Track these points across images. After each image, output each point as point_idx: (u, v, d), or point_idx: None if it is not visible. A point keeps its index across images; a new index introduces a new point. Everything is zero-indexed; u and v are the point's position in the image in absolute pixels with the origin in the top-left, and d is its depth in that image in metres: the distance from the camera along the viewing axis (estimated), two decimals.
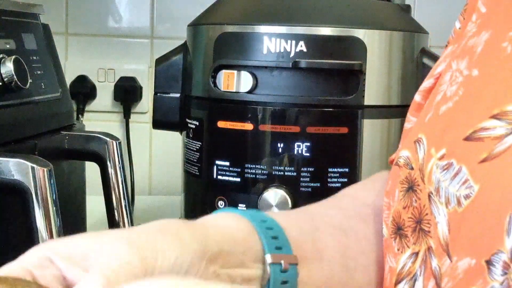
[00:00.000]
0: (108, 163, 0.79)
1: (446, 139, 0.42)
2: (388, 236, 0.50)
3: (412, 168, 0.46)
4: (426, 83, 0.53)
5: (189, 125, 0.85)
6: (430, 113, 0.46)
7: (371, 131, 0.81)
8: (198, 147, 0.84)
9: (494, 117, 0.39)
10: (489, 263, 0.36)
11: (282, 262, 0.43)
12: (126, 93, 1.29)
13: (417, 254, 0.44)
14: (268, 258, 0.43)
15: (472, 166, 0.39)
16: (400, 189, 0.47)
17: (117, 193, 0.79)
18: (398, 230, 0.46)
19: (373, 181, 0.57)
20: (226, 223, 0.43)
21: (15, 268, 0.36)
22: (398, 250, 0.46)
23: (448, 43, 0.55)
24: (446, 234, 0.40)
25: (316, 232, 0.47)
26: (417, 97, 0.55)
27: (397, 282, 0.45)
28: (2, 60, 0.70)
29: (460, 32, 0.52)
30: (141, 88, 1.30)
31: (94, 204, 0.90)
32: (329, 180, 0.78)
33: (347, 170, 0.79)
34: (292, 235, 0.45)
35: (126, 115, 1.30)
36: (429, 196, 0.43)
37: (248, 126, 0.79)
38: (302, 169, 0.78)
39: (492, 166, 0.38)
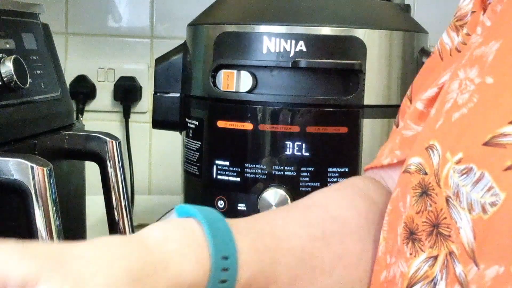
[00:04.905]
0: (108, 163, 0.79)
1: (462, 144, 0.43)
2: (385, 238, 0.50)
3: (426, 174, 0.46)
4: (429, 92, 0.54)
5: (188, 124, 0.85)
6: (441, 121, 0.47)
7: (371, 130, 0.81)
8: (197, 147, 0.84)
9: None
10: None
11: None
12: (126, 92, 1.29)
13: (435, 258, 0.44)
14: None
15: (496, 173, 0.39)
16: (413, 195, 0.47)
17: (117, 193, 0.79)
18: (411, 235, 0.47)
19: (345, 189, 0.56)
20: (179, 268, 0.41)
21: None
22: (411, 254, 0.46)
23: (433, 53, 0.58)
24: (472, 241, 0.41)
25: (274, 265, 0.46)
26: (419, 105, 0.55)
27: (410, 285, 0.45)
28: (2, 59, 0.70)
29: (464, 47, 0.53)
30: (141, 88, 1.30)
31: (94, 204, 0.90)
32: (328, 179, 0.78)
33: (346, 169, 0.79)
34: (246, 273, 0.44)
35: (126, 115, 1.30)
36: (447, 200, 0.43)
37: (248, 126, 0.79)
38: (301, 168, 0.78)
39: None
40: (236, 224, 0.45)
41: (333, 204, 0.54)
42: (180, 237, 0.42)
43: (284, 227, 0.50)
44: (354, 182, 0.58)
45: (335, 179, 0.79)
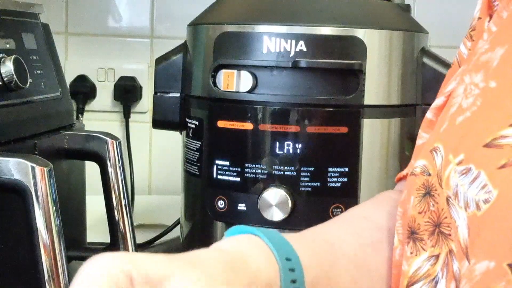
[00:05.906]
0: (108, 162, 0.79)
1: (464, 145, 0.43)
2: (401, 241, 0.50)
3: (429, 175, 0.47)
4: (437, 101, 0.55)
5: (189, 124, 0.85)
6: (445, 124, 0.48)
7: (371, 130, 0.81)
8: (198, 147, 0.84)
9: None
10: None
11: None
12: (126, 92, 1.29)
13: (437, 257, 0.45)
14: None
15: (490, 171, 0.40)
16: (416, 195, 0.48)
17: (117, 193, 0.79)
18: (412, 234, 0.47)
19: (382, 202, 0.58)
20: (257, 265, 0.42)
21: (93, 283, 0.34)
22: (411, 253, 0.47)
23: (452, 64, 0.59)
24: (466, 238, 0.41)
25: (333, 268, 0.48)
26: (429, 114, 0.57)
27: (410, 284, 0.46)
28: (2, 59, 0.70)
29: (470, 52, 0.54)
30: (141, 87, 1.30)
31: (94, 204, 0.90)
32: (329, 179, 0.78)
33: (347, 169, 0.79)
34: (310, 275, 0.45)
35: (126, 114, 1.30)
36: (448, 200, 0.44)
37: (248, 126, 0.79)
38: (302, 168, 0.78)
39: (511, 172, 0.39)
40: (289, 236, 0.47)
41: (375, 215, 0.55)
42: (247, 244, 0.44)
43: (334, 235, 0.51)
44: (387, 195, 0.60)
45: (335, 179, 0.79)
